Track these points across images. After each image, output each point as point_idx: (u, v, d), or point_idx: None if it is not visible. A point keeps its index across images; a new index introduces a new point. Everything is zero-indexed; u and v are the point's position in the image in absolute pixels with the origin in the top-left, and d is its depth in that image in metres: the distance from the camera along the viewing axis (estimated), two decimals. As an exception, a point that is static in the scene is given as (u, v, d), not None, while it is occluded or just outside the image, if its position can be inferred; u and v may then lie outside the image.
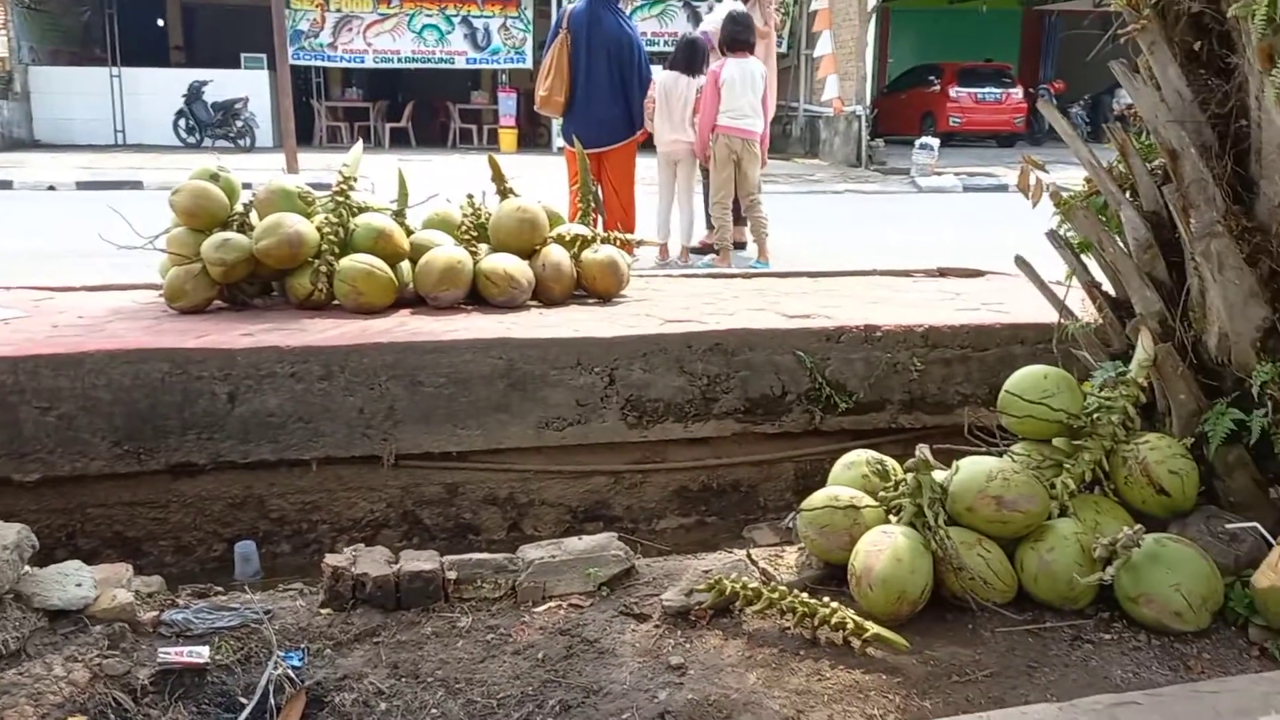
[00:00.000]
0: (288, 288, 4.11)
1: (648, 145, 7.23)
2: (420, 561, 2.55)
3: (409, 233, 4.34)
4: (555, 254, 4.37)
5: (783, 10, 22.17)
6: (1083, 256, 3.09)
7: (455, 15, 21.47)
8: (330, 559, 2.52)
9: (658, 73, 6.98)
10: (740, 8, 7.41)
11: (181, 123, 20.06)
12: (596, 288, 4.47)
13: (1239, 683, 2.03)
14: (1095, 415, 2.65)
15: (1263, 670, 2.15)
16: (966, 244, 8.20)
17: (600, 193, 6.32)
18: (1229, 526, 2.42)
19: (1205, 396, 2.62)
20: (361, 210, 4.22)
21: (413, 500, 3.74)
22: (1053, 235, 3.15)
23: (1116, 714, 1.85)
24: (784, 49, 22.49)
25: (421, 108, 22.83)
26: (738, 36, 6.99)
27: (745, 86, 6.96)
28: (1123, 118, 20.80)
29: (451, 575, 2.54)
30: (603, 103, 6.46)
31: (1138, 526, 2.31)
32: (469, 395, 3.63)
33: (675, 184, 7.48)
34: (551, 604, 2.49)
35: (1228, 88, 2.58)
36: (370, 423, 3.56)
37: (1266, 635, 2.22)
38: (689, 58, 7.14)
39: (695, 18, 22.12)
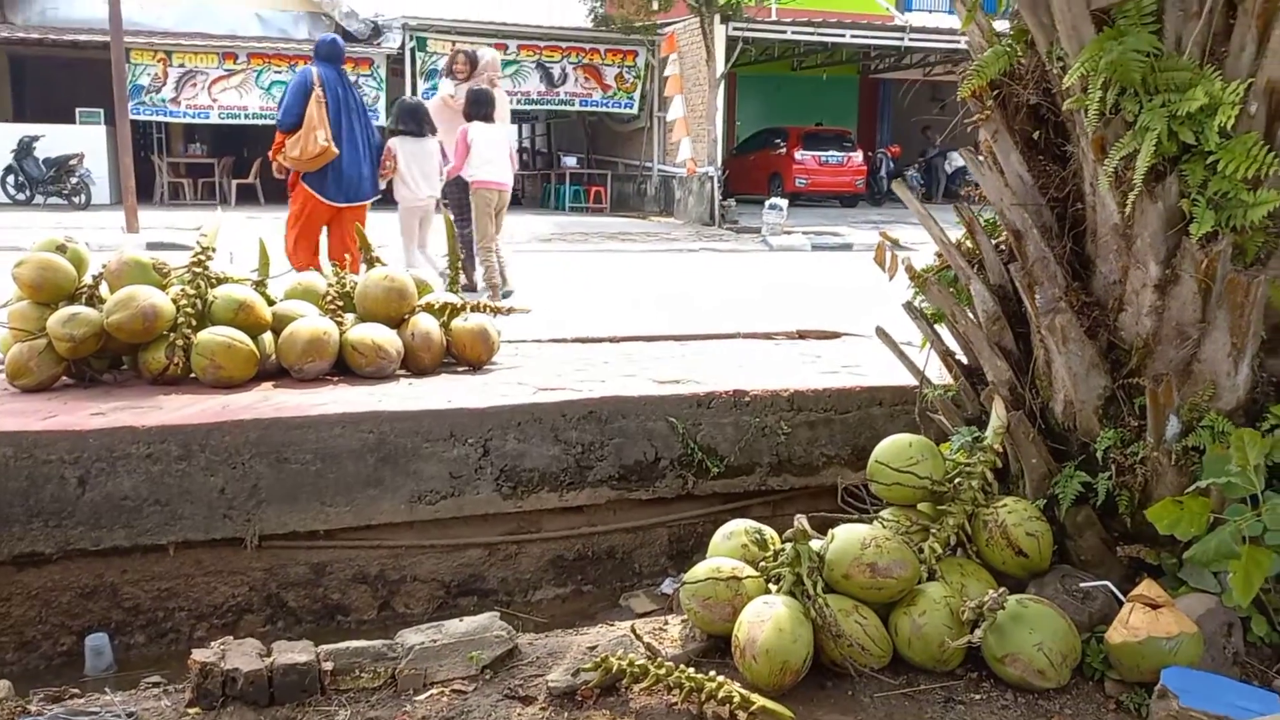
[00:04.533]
0: (140, 362, 3.92)
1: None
2: (294, 653, 2.45)
3: (271, 303, 4.22)
4: (424, 323, 4.33)
5: (636, 74, 22.74)
6: (937, 326, 3.27)
7: (304, 72, 21.10)
8: (198, 654, 2.40)
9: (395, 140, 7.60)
10: (479, 85, 8.41)
11: (10, 179, 18.98)
12: (467, 356, 4.44)
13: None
14: (956, 481, 2.79)
15: (1119, 722, 2.28)
16: (819, 303, 8.52)
17: (327, 243, 6.89)
18: (1082, 585, 2.58)
19: (1054, 460, 2.80)
20: (220, 281, 4.09)
21: (277, 582, 3.60)
22: (909, 306, 3.32)
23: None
24: (636, 111, 23.03)
25: (269, 164, 22.22)
26: (481, 109, 8.11)
27: (492, 146, 8.05)
28: (954, 177, 22.10)
29: (328, 666, 2.45)
30: (356, 161, 6.92)
31: (1001, 589, 2.44)
32: (337, 471, 3.54)
33: (417, 235, 7.95)
34: (434, 690, 2.43)
35: (1065, 174, 2.80)
36: (232, 503, 3.42)
37: (1121, 689, 2.36)
38: (419, 121, 7.74)
39: (549, 78, 22.47)
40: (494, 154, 8.06)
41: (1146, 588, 2.39)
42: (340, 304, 4.32)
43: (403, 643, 2.54)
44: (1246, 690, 2.20)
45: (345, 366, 4.16)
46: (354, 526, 3.62)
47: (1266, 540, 2.30)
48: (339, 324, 4.20)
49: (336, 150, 6.67)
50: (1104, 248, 2.70)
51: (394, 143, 7.48)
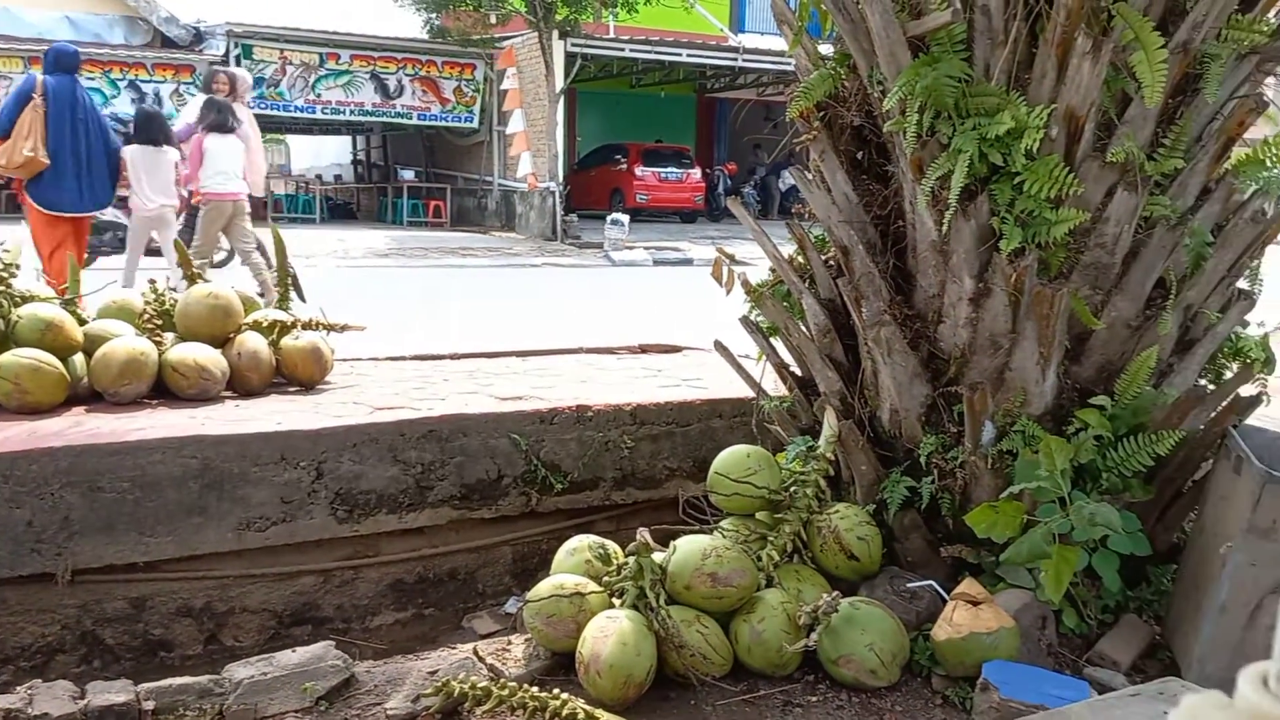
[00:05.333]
0: (-67, 388, 3.61)
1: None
2: (111, 693, 2.31)
3: (82, 322, 3.96)
4: (252, 341, 4.15)
5: (474, 87, 22.55)
6: (772, 339, 3.37)
7: (121, 79, 20.00)
8: (2, 700, 2.22)
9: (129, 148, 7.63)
10: (218, 98, 8.41)
11: None
12: (298, 375, 4.28)
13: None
14: (792, 489, 2.87)
15: (946, 717, 2.39)
16: (661, 318, 8.63)
17: (42, 256, 6.73)
18: (910, 585, 2.69)
19: (883, 466, 2.91)
20: (26, 300, 3.81)
21: (93, 619, 3.36)
22: (745, 320, 3.40)
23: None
24: (476, 125, 22.84)
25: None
26: (220, 121, 8.09)
27: (225, 157, 7.97)
28: (787, 195, 22.82)
29: (149, 705, 2.32)
30: (78, 173, 6.85)
31: (835, 592, 2.52)
32: (158, 499, 3.35)
33: (144, 243, 8.11)
34: (265, 726, 2.33)
35: (887, 192, 2.93)
36: (41, 537, 3.18)
37: (947, 684, 2.48)
38: (154, 130, 7.82)
39: (384, 90, 22.02)
40: (227, 165, 8.00)
41: (968, 586, 2.51)
42: (159, 322, 4.09)
43: (230, 677, 2.42)
44: (1060, 679, 2.34)
45: (166, 389, 3.94)
46: (177, 557, 3.42)
47: (1074, 537, 2.46)
48: (158, 344, 3.98)
49: (46, 160, 6.59)
50: (924, 263, 2.83)
51: (128, 151, 7.43)
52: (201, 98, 8.79)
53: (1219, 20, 2.53)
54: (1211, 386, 2.88)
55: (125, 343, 3.87)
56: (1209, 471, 2.73)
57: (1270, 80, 2.78)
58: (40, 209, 6.68)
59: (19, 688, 2.30)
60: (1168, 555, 2.85)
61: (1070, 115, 2.54)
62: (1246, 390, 2.86)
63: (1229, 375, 2.90)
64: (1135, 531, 2.56)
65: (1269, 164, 2.69)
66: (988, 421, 2.66)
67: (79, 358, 3.86)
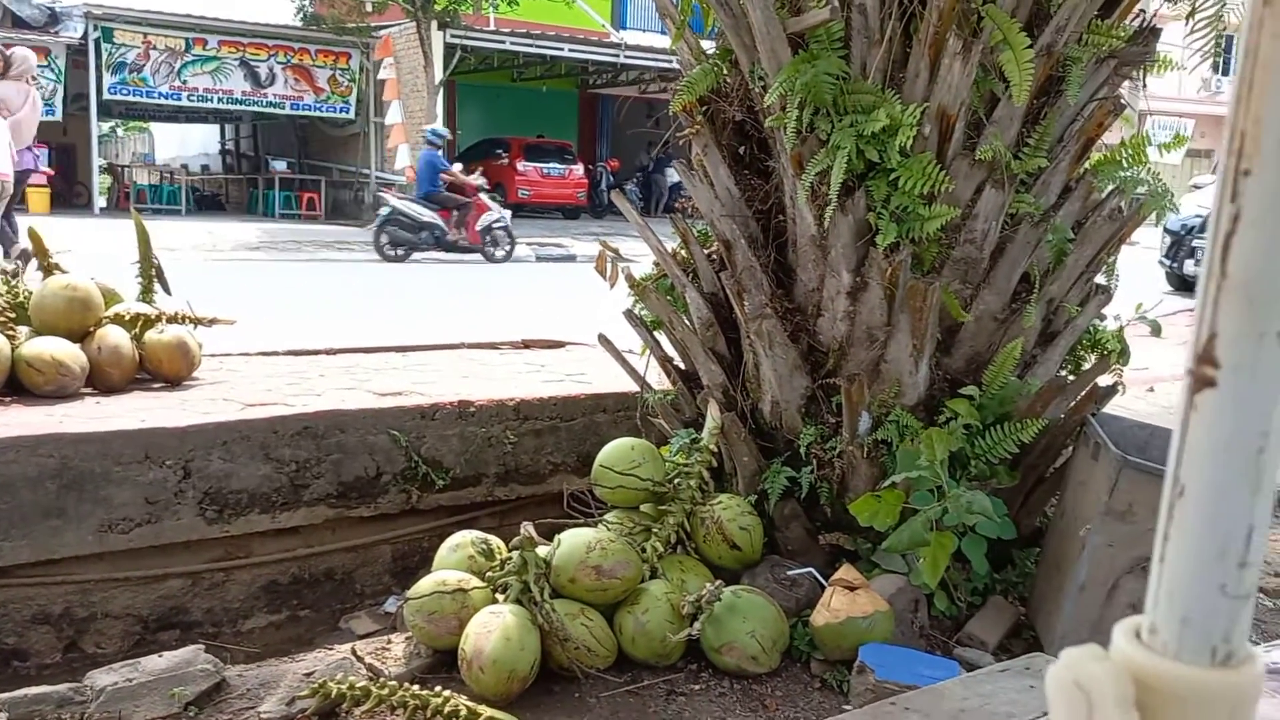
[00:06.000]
0: None
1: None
2: (-42, 709, 2.16)
3: (-76, 315, 3.71)
4: (114, 335, 3.94)
5: (350, 77, 22.02)
6: (656, 333, 3.38)
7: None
8: None
9: None
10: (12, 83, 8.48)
11: None
12: (164, 371, 4.10)
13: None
14: (676, 481, 2.89)
15: (824, 700, 2.44)
16: (544, 313, 8.59)
17: None
18: (790, 573, 2.75)
19: (764, 457, 2.96)
20: None
21: (-63, 630, 3.16)
22: (629, 314, 3.41)
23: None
24: (352, 115, 22.31)
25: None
26: None
27: None
28: (672, 191, 23.00)
29: (2, 717, 2.18)
30: None
31: (718, 582, 2.55)
32: (11, 501, 3.16)
33: None
34: (130, 735, 2.22)
35: (768, 187, 2.97)
36: (-124, 544, 2.97)
37: (825, 668, 2.54)
38: None
39: (254, 78, 21.30)
40: None
41: (845, 572, 2.58)
42: (12, 315, 3.85)
43: (92, 685, 2.30)
44: (931, 660, 2.42)
45: (20, 386, 3.71)
46: (33, 562, 3.24)
47: (946, 523, 2.54)
48: (10, 338, 3.75)
49: None
50: (804, 257, 2.89)
51: None
52: None
53: (1080, 24, 2.65)
54: (1072, 377, 3.02)
55: (-28, 337, 3.63)
56: (1069, 458, 2.87)
57: (1127, 84, 2.93)
58: None
59: None
60: (1031, 539, 2.98)
61: (942, 114, 2.63)
62: (1104, 380, 3.01)
63: (1088, 366, 3.05)
64: (1002, 517, 2.67)
65: (1125, 164, 2.84)
66: (864, 412, 2.73)
67: (-80, 353, 3.61)
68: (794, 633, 2.62)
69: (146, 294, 4.46)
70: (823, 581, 2.70)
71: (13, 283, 3.98)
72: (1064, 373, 3.05)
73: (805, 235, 2.85)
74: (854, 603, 2.48)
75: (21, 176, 8.74)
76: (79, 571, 3.35)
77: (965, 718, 1.79)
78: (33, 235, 4.16)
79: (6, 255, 8.26)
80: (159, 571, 3.49)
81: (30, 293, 3.96)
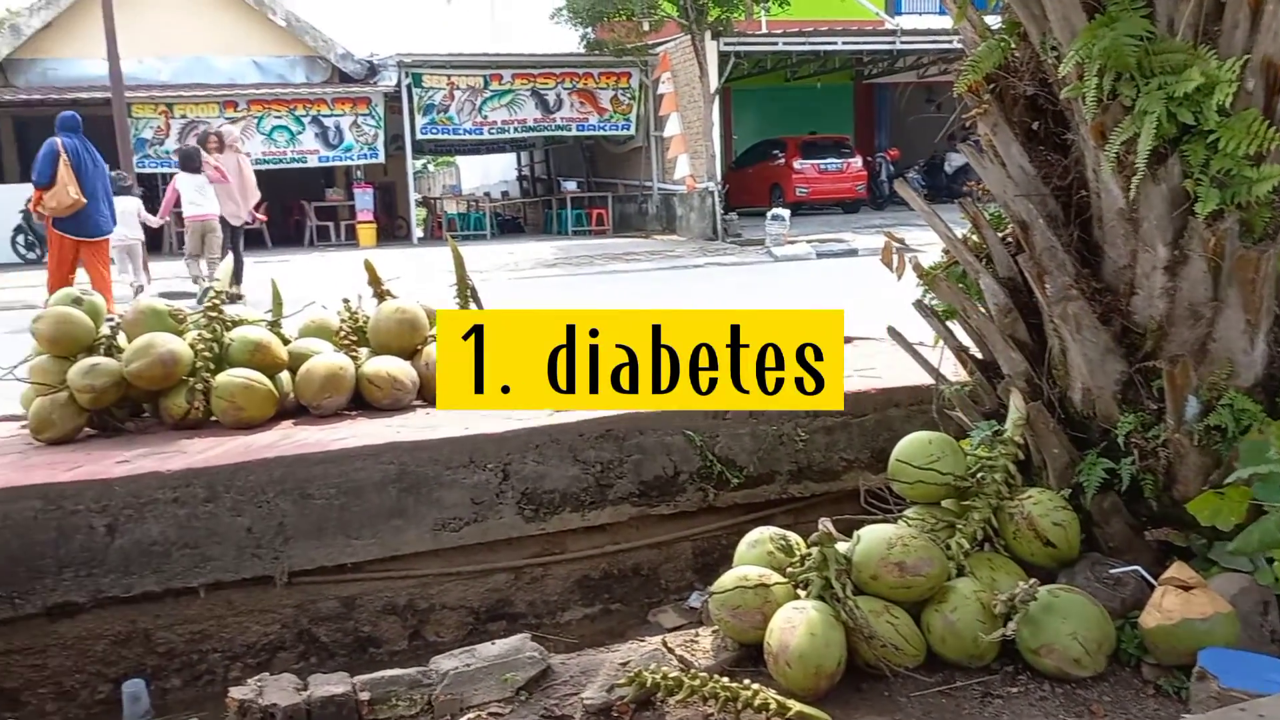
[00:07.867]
0: (161, 409, 3.95)
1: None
2: (331, 685, 2.47)
3: (286, 342, 4.25)
4: (437, 352, 4.34)
5: (630, 95, 22.87)
6: (949, 323, 3.28)
7: (305, 115, 21.31)
8: (235, 692, 2.42)
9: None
10: (191, 143, 12.07)
11: (20, 239, 19.18)
12: (481, 382, 4.45)
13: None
14: (979, 475, 2.78)
15: (1159, 707, 2.27)
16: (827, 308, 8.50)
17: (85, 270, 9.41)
18: (1113, 571, 2.57)
19: (1076, 449, 2.79)
20: (236, 324, 4.12)
21: (308, 618, 3.60)
22: (919, 305, 3.33)
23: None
24: (632, 131, 23.15)
25: (274, 207, 22.46)
26: (185, 164, 11.48)
27: (195, 190, 11.33)
28: (956, 177, 22.06)
29: (365, 696, 2.46)
30: (96, 208, 9.38)
31: (1032, 580, 2.43)
32: (361, 504, 3.55)
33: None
34: (470, 715, 2.44)
35: (1066, 162, 2.81)
36: (260, 542, 3.44)
37: (1158, 673, 2.35)
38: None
39: (544, 105, 22.61)
40: (197, 196, 11.31)
41: (1178, 570, 2.38)
42: (354, 338, 4.34)
43: (437, 669, 2.55)
44: (1285, 666, 2.18)
45: (362, 400, 4.18)
46: (380, 558, 3.63)
47: (1299, 518, 2.29)
48: (354, 358, 4.23)
49: (85, 200, 9.01)
50: (1111, 233, 2.70)
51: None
52: (208, 156, 11.58)
53: None
54: None
55: (325, 359, 4.13)
56: None
57: None
58: (69, 237, 9.17)
59: (249, 681, 2.49)
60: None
61: (1268, 65, 2.37)
62: None
63: None
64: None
65: None
66: (1191, 396, 2.51)
67: (285, 375, 4.15)
68: (1120, 635, 2.45)
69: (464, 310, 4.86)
70: (1151, 580, 2.50)
71: (354, 310, 4.48)
72: None
73: (1112, 209, 2.66)
74: (1189, 603, 2.28)
75: (247, 226, 12.17)
76: (418, 566, 3.71)
77: (1331, 731, 1.61)
78: (367, 267, 4.65)
79: (237, 282, 10.90)
80: (486, 566, 3.80)
81: (368, 318, 4.44)
